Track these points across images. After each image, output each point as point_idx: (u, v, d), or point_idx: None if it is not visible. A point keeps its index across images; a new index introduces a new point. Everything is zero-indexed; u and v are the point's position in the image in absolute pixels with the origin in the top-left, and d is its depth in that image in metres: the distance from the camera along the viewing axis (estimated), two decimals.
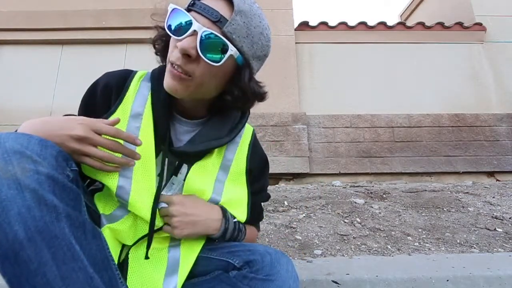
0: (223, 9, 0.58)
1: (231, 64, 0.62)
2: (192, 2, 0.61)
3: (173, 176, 0.70)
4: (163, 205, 0.67)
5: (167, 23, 0.61)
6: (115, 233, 0.65)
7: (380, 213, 2.05)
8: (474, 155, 3.91)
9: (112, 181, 0.62)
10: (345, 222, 1.88)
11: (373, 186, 3.08)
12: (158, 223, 0.66)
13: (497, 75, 4.25)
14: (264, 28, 0.62)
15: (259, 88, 0.68)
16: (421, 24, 4.41)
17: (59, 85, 4.11)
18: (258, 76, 0.69)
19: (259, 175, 0.81)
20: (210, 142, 0.69)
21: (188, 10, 0.61)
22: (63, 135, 0.54)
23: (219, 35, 0.57)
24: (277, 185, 3.49)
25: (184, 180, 0.69)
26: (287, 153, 3.78)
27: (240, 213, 0.76)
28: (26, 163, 0.43)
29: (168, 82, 0.62)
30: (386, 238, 1.63)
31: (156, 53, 0.71)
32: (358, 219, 1.92)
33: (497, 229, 1.73)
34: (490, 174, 3.92)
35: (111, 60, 4.15)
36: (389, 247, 1.52)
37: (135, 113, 0.67)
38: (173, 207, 0.65)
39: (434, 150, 3.92)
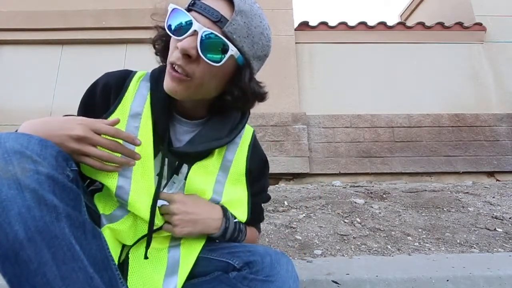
0: (223, 9, 0.58)
1: (232, 64, 0.62)
2: (192, 2, 0.61)
3: (174, 175, 0.70)
4: (164, 203, 0.67)
5: (167, 23, 0.61)
6: (115, 233, 0.65)
7: (380, 213, 2.05)
8: (474, 155, 3.91)
9: (111, 181, 0.62)
10: (345, 222, 1.88)
11: (373, 186, 3.08)
12: (158, 222, 0.66)
13: (497, 75, 4.25)
14: (264, 28, 0.62)
15: (260, 88, 0.68)
16: (421, 24, 4.41)
17: (59, 85, 4.11)
18: (258, 76, 0.69)
19: (259, 176, 0.81)
20: (210, 143, 0.69)
21: (189, 10, 0.60)
22: (63, 135, 0.54)
23: (219, 35, 0.57)
24: (277, 185, 3.49)
25: (185, 179, 0.69)
26: (287, 153, 3.78)
27: (241, 213, 0.76)
28: (26, 163, 0.43)
29: (167, 84, 0.62)
30: (386, 238, 1.63)
31: (156, 53, 0.71)
32: (358, 219, 1.92)
33: (497, 229, 1.73)
34: (490, 174, 3.92)
35: (111, 60, 4.15)
36: (389, 247, 1.52)
37: (134, 113, 0.67)
38: (174, 205, 0.65)
39: (434, 150, 3.92)
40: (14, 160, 0.43)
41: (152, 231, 0.65)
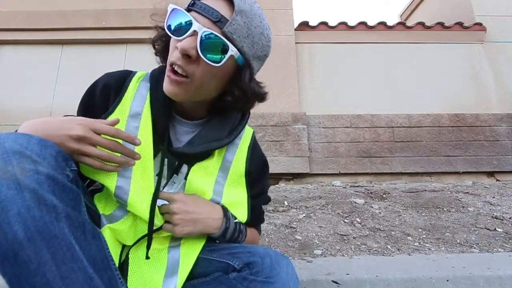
0: (223, 9, 0.58)
1: (232, 64, 0.61)
2: (192, 2, 0.61)
3: (174, 175, 0.70)
4: (164, 203, 0.67)
5: (167, 23, 0.61)
6: (115, 234, 0.65)
7: (380, 213, 2.05)
8: (474, 155, 3.91)
9: (110, 181, 0.62)
10: (345, 222, 1.88)
11: (373, 186, 3.08)
12: (158, 222, 0.66)
13: (497, 75, 4.25)
14: (264, 28, 0.62)
15: (260, 88, 0.68)
16: (421, 24, 4.41)
17: (59, 85, 4.11)
18: (258, 76, 0.69)
19: (258, 178, 0.81)
20: (209, 144, 0.69)
21: (188, 10, 0.60)
22: (63, 135, 0.54)
23: (219, 35, 0.57)
24: (277, 185, 3.49)
25: (185, 179, 0.69)
26: (287, 153, 3.78)
27: (241, 213, 0.75)
28: (26, 163, 0.43)
29: (166, 87, 0.62)
30: (386, 238, 1.63)
31: (155, 54, 0.71)
32: (358, 219, 1.92)
33: (497, 229, 1.73)
34: (490, 174, 3.92)
35: (111, 60, 4.15)
36: (389, 247, 1.52)
37: (134, 113, 0.67)
38: (174, 205, 0.65)
39: (434, 150, 3.92)
40: (14, 160, 0.43)
41: (152, 230, 0.65)
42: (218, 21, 0.57)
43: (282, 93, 3.98)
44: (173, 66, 0.60)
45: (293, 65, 4.14)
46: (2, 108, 3.99)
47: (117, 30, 4.24)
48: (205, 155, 0.71)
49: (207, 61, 0.57)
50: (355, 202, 2.27)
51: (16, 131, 0.55)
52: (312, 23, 4.40)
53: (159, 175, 0.67)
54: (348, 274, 1.04)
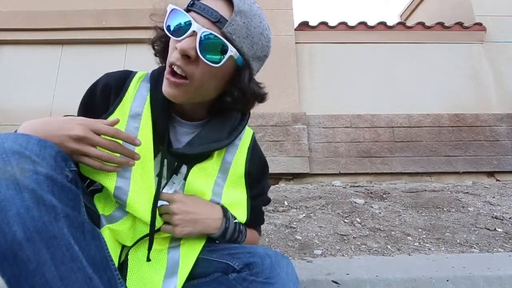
0: (222, 9, 0.58)
1: (231, 65, 0.61)
2: (191, 2, 0.61)
3: (174, 175, 0.70)
4: (164, 203, 0.67)
5: (166, 24, 0.61)
6: (115, 234, 0.65)
7: (380, 213, 2.05)
8: (474, 155, 3.91)
9: (110, 182, 0.62)
10: (345, 222, 1.88)
11: (373, 186, 3.08)
12: (157, 223, 0.66)
13: (497, 75, 4.25)
14: (264, 28, 0.62)
15: (259, 89, 0.68)
16: (421, 24, 4.41)
17: (59, 85, 4.11)
18: (258, 77, 0.69)
19: (258, 178, 0.81)
20: (209, 145, 0.69)
21: (188, 10, 0.60)
22: (62, 135, 0.54)
23: (218, 35, 0.57)
24: (277, 185, 3.49)
25: (184, 179, 0.69)
26: (287, 153, 3.78)
27: (240, 214, 0.75)
28: (25, 164, 0.43)
29: (165, 89, 0.62)
30: (386, 238, 1.63)
31: (155, 54, 0.71)
32: (358, 219, 1.92)
33: (497, 229, 1.73)
34: (490, 174, 3.92)
35: (111, 60, 4.15)
36: (389, 247, 1.52)
37: (134, 113, 0.67)
38: (174, 205, 0.65)
39: (434, 150, 3.92)
40: (13, 161, 0.43)
41: (153, 231, 0.65)
42: (218, 21, 0.57)
43: (282, 93, 3.98)
44: (173, 66, 0.60)
45: (293, 65, 4.14)
46: (2, 108, 3.99)
47: (117, 30, 4.24)
48: (205, 156, 0.71)
49: (206, 61, 0.57)
50: (355, 202, 2.27)
51: (16, 131, 0.55)
52: (312, 23, 4.40)
53: (159, 175, 0.67)
54: (348, 274, 1.04)
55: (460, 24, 4.37)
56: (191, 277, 0.65)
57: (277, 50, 4.05)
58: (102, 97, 0.69)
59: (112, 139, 0.58)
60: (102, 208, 0.67)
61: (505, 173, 3.88)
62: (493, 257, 1.24)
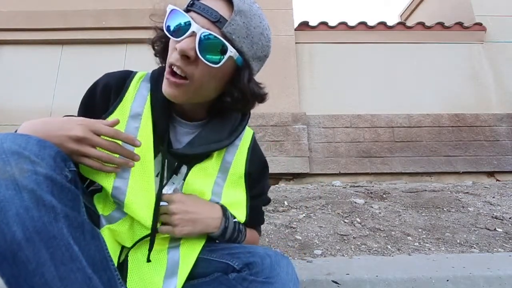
0: (222, 9, 0.58)
1: (231, 65, 0.61)
2: (191, 2, 0.60)
3: (174, 175, 0.70)
4: (163, 203, 0.67)
5: (165, 24, 0.61)
6: (114, 234, 0.65)
7: (380, 213, 2.05)
8: (474, 155, 3.91)
9: (108, 182, 0.62)
10: (345, 222, 1.88)
11: (373, 186, 3.08)
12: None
13: (497, 75, 4.24)
14: (264, 28, 0.62)
15: (259, 89, 0.68)
16: (421, 24, 4.41)
17: (59, 85, 4.11)
18: (258, 77, 0.69)
19: (258, 179, 0.81)
20: (209, 145, 0.69)
21: (188, 10, 0.60)
22: (62, 136, 0.54)
23: (218, 36, 0.57)
24: (277, 185, 3.49)
25: (184, 180, 0.69)
26: (287, 153, 3.77)
27: (240, 213, 0.75)
28: (24, 164, 0.43)
29: (165, 89, 0.62)
30: (386, 238, 1.63)
31: (155, 55, 0.71)
32: (358, 219, 1.92)
33: (497, 229, 1.73)
34: (490, 174, 3.92)
35: (111, 60, 4.15)
36: (389, 247, 1.51)
37: (134, 113, 0.67)
38: (173, 205, 0.65)
39: (434, 150, 3.92)
40: (12, 161, 0.43)
41: (155, 231, 0.65)
42: (217, 21, 0.57)
43: (282, 93, 3.98)
44: (172, 67, 0.60)
45: (293, 65, 4.14)
46: (2, 108, 3.99)
47: (117, 30, 4.24)
48: (205, 156, 0.71)
49: (206, 62, 0.57)
50: (355, 202, 2.27)
51: (16, 131, 0.55)
52: (312, 23, 4.40)
53: (160, 175, 0.67)
54: (348, 274, 1.04)
55: (460, 24, 4.37)
56: (191, 277, 0.65)
57: (277, 50, 4.05)
58: (102, 97, 0.69)
59: (112, 139, 0.58)
60: (102, 208, 0.67)
61: (505, 173, 3.88)
62: (493, 257, 1.24)
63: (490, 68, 4.27)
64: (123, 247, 0.66)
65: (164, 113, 0.68)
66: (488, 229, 1.73)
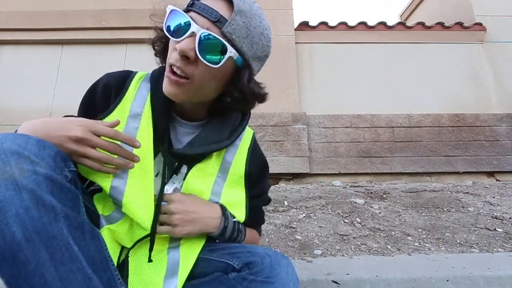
0: (222, 9, 0.58)
1: (231, 65, 0.61)
2: (191, 2, 0.60)
3: (174, 175, 0.70)
4: (162, 203, 0.66)
5: (165, 25, 0.61)
6: (114, 235, 0.65)
7: (380, 213, 2.05)
8: (474, 155, 3.91)
9: (105, 182, 0.61)
10: (345, 222, 1.88)
11: (373, 186, 3.08)
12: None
13: (497, 75, 4.24)
14: (264, 28, 0.62)
15: (259, 89, 0.68)
16: (421, 24, 4.41)
17: (59, 85, 4.11)
18: (258, 77, 0.69)
19: (258, 179, 0.81)
20: (209, 145, 0.68)
21: (188, 10, 0.60)
22: (62, 136, 0.54)
23: (218, 36, 0.57)
24: (277, 185, 3.49)
25: (184, 179, 0.69)
26: (287, 153, 3.77)
27: (239, 213, 0.75)
28: (24, 164, 0.43)
29: (166, 88, 0.62)
30: (386, 238, 1.63)
31: (155, 55, 0.71)
32: (358, 219, 1.92)
33: (497, 229, 1.73)
34: (490, 174, 3.92)
35: (111, 60, 4.15)
36: (389, 247, 1.51)
37: (134, 113, 0.67)
38: (173, 205, 0.65)
39: (434, 150, 3.92)
40: (12, 161, 0.43)
41: (155, 232, 0.64)
42: (217, 21, 0.57)
43: (282, 93, 3.98)
44: (172, 67, 0.60)
45: (293, 65, 4.14)
46: (2, 108, 3.99)
47: (117, 30, 4.24)
48: (205, 156, 0.71)
49: (205, 62, 0.57)
50: (355, 202, 2.27)
51: (16, 131, 0.55)
52: (312, 23, 4.40)
53: (162, 176, 0.67)
54: (348, 274, 1.04)
55: (460, 24, 4.37)
56: (191, 276, 0.65)
57: (277, 50, 4.04)
58: (102, 97, 0.69)
59: (112, 140, 0.58)
60: (102, 208, 0.67)
61: (505, 173, 3.88)
62: (493, 257, 1.24)
63: (490, 68, 4.27)
64: (123, 247, 0.66)
65: (164, 113, 0.67)
66: (488, 229, 1.73)
